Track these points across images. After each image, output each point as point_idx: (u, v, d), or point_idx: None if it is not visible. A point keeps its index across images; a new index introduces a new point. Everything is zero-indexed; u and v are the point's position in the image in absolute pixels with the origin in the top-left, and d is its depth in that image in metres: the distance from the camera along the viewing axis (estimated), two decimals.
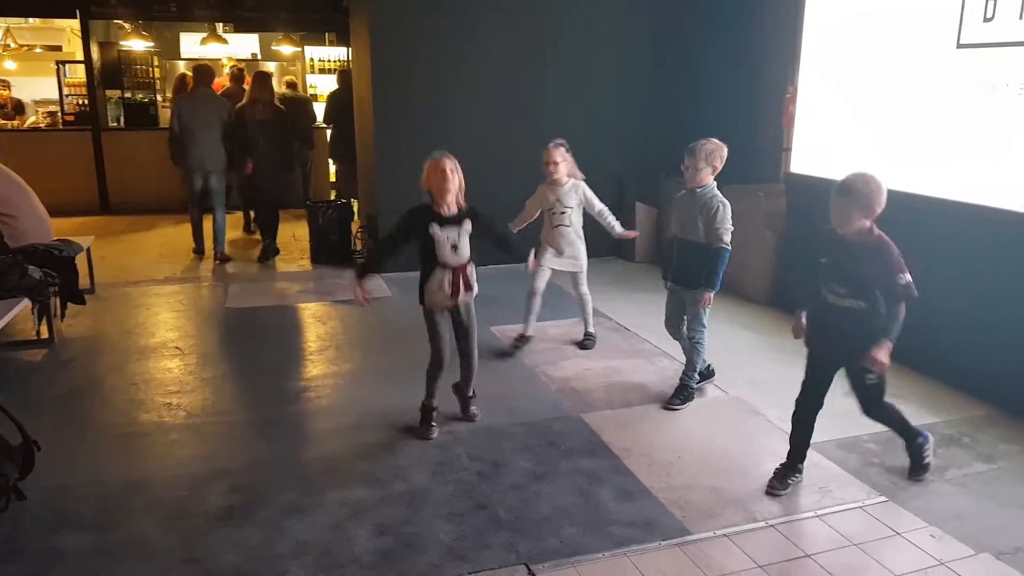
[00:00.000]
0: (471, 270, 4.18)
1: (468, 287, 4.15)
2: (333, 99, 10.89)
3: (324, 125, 11.37)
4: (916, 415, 4.53)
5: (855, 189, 3.47)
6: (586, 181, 5.70)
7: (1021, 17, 4.46)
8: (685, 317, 4.79)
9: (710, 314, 4.72)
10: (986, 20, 4.68)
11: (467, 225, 4.13)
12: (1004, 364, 4.59)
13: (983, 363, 4.50)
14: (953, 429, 4.31)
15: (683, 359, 4.97)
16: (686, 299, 4.72)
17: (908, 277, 3.41)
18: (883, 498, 3.72)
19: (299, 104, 11.07)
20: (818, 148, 6.21)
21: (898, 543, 3.37)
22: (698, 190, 4.53)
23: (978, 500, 3.72)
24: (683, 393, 4.78)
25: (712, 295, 4.56)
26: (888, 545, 3.36)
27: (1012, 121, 4.57)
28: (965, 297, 4.76)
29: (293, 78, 12.11)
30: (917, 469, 3.91)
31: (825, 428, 4.43)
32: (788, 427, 4.41)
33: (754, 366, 5.37)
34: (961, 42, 4.85)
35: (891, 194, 5.04)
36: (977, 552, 3.29)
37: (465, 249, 4.12)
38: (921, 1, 5.15)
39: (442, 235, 4.06)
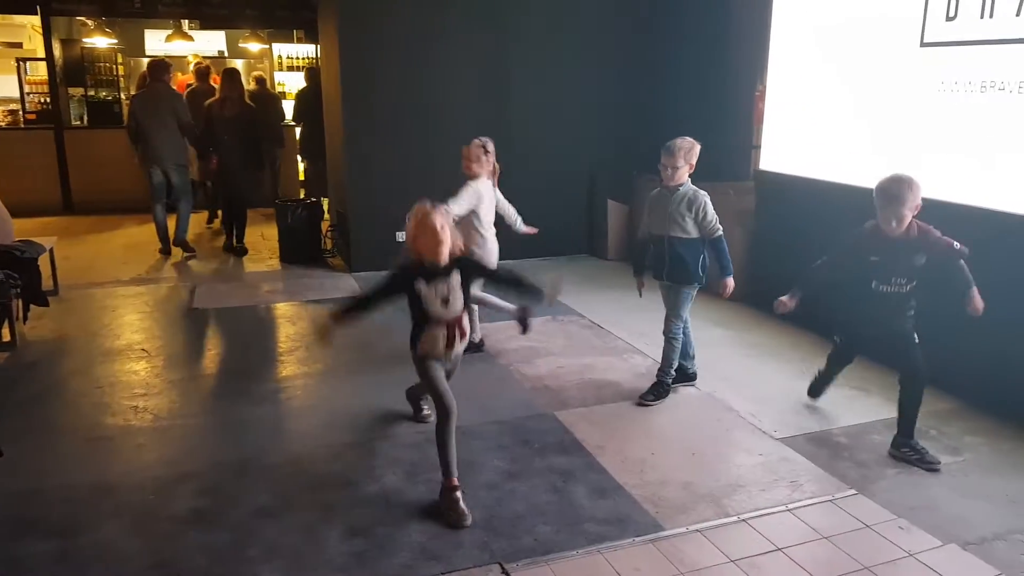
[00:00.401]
0: (465, 319, 3.73)
1: (463, 336, 3.77)
2: (302, 97, 10.81)
3: (293, 123, 11.28)
4: (883, 408, 4.59)
5: (902, 194, 3.83)
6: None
7: (982, 16, 4.52)
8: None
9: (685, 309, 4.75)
10: (948, 19, 4.74)
11: (456, 276, 3.60)
12: (970, 358, 4.64)
13: (949, 357, 4.55)
14: (920, 422, 4.34)
15: (656, 356, 4.99)
16: (673, 294, 4.74)
17: (956, 242, 3.89)
18: (853, 491, 3.75)
19: (268, 101, 10.97)
20: (787, 146, 6.26)
21: (867, 535, 3.40)
22: (680, 188, 4.57)
23: (945, 492, 3.76)
24: (657, 390, 4.79)
25: (731, 279, 4.66)
26: (858, 537, 3.39)
27: (973, 118, 4.64)
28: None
29: (262, 74, 11.97)
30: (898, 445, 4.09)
31: (795, 423, 4.49)
32: (760, 423, 4.47)
33: (726, 362, 5.40)
34: (925, 41, 4.92)
35: (857, 190, 5.10)
36: (944, 543, 3.33)
37: (458, 301, 3.63)
38: (886, 1, 5.21)
39: (430, 291, 3.56)
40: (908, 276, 3.98)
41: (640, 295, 4.94)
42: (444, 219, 3.51)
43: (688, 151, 4.55)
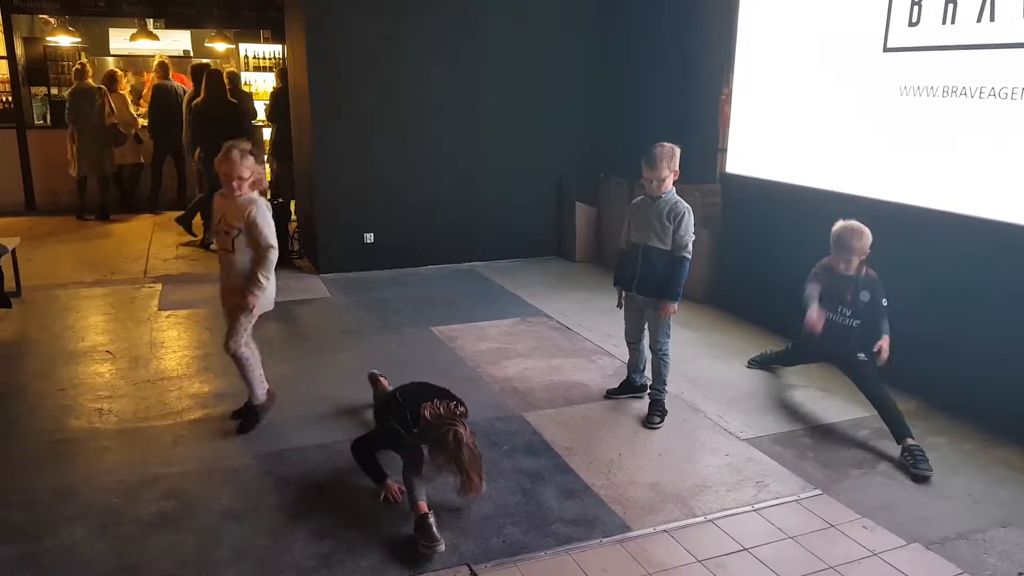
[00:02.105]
0: None
1: None
2: (275, 97, 10.70)
3: (265, 123, 11.17)
4: (847, 409, 4.66)
5: (852, 244, 4.37)
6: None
7: (944, 22, 4.60)
8: (646, 327, 4.70)
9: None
10: (911, 25, 4.82)
11: None
12: (932, 358, 4.73)
13: (912, 357, 4.62)
14: (884, 423, 4.42)
15: (624, 358, 5.00)
16: (648, 309, 4.60)
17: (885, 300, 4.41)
18: (818, 491, 3.80)
19: (240, 100, 10.86)
20: (753, 149, 6.32)
21: (832, 535, 3.45)
22: (663, 196, 4.43)
23: (908, 492, 3.83)
24: (659, 409, 4.60)
25: (676, 306, 4.48)
26: (823, 537, 3.43)
27: (935, 123, 4.72)
28: (893, 293, 4.88)
29: (235, 70, 11.80)
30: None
31: (761, 424, 4.54)
32: (727, 424, 4.52)
33: (692, 363, 5.43)
34: (888, 46, 4.99)
35: (822, 193, 5.17)
36: (908, 542, 3.38)
37: None
38: (850, 5, 5.28)
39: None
40: (852, 310, 4.45)
41: (620, 306, 4.79)
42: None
43: (670, 158, 4.38)
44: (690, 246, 4.43)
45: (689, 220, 4.41)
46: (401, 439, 3.57)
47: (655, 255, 4.45)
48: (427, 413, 3.45)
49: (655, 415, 4.59)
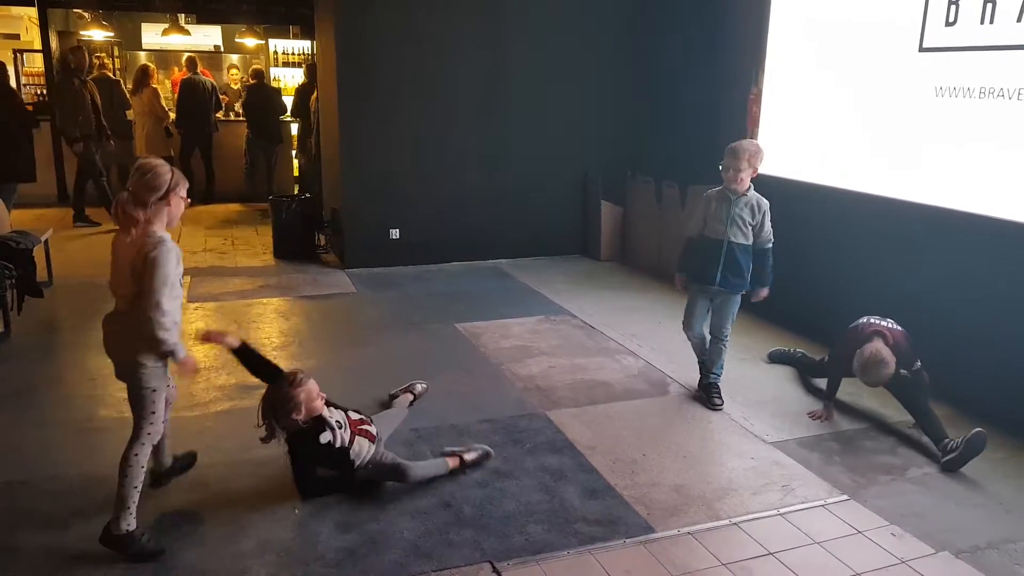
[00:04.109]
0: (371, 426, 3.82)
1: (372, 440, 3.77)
2: (301, 93, 10.79)
3: (291, 119, 11.27)
4: (875, 414, 4.61)
5: (883, 376, 4.21)
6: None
7: (982, 22, 4.53)
8: (709, 317, 4.80)
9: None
10: (948, 24, 4.75)
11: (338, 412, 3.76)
12: (964, 364, 4.66)
13: (945, 365, 4.57)
14: (914, 429, 4.37)
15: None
16: (723, 300, 4.70)
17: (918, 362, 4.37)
18: (845, 496, 3.76)
19: (266, 95, 10.96)
20: (782, 149, 6.24)
21: (859, 541, 3.41)
22: (746, 194, 4.56)
23: (938, 499, 3.77)
24: (719, 391, 4.80)
25: (768, 290, 4.70)
26: (850, 543, 3.39)
27: (972, 124, 4.64)
28: (925, 297, 4.83)
29: (259, 67, 11.91)
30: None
31: (787, 427, 4.50)
32: (752, 426, 4.48)
33: None
34: (924, 46, 4.92)
35: (854, 195, 5.11)
36: (937, 551, 3.33)
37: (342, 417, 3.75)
38: (885, 5, 5.22)
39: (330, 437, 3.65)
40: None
41: (683, 288, 4.86)
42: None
43: (753, 155, 4.50)
44: (771, 234, 4.62)
45: (769, 213, 4.59)
46: (305, 450, 3.62)
47: (739, 251, 4.57)
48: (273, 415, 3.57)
49: (715, 397, 4.77)
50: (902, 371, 4.26)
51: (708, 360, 4.85)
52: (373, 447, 3.67)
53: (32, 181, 8.79)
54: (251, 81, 11.21)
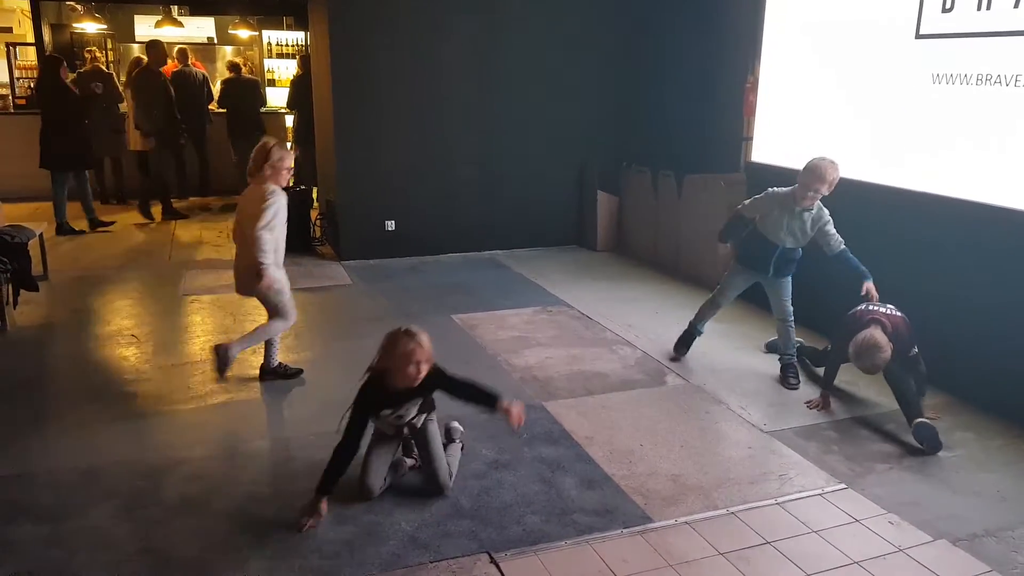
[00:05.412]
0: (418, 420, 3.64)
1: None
2: (296, 84, 10.74)
3: (287, 110, 11.22)
4: (872, 402, 4.62)
5: (878, 362, 4.15)
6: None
7: (979, 8, 4.52)
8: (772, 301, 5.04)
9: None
10: (945, 11, 4.73)
11: (419, 398, 3.56)
12: (962, 353, 4.66)
13: (940, 352, 4.57)
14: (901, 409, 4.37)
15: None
16: (773, 283, 4.94)
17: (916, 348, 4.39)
18: (842, 485, 3.76)
19: (243, 87, 10.87)
20: (779, 138, 6.25)
21: (857, 529, 3.41)
22: (811, 210, 4.69)
23: (935, 487, 3.77)
24: (793, 371, 4.96)
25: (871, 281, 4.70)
26: (847, 532, 3.39)
27: (969, 111, 4.63)
28: (921, 286, 4.82)
29: (237, 60, 11.78)
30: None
31: (784, 416, 4.50)
32: (749, 416, 4.48)
33: (715, 355, 5.39)
34: (920, 33, 4.91)
35: (850, 183, 5.10)
36: (935, 538, 3.33)
37: (409, 415, 3.58)
38: None
39: (391, 416, 3.55)
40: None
41: (734, 256, 5.09)
42: (423, 342, 3.38)
43: (834, 181, 4.59)
44: (839, 236, 4.74)
45: (831, 222, 4.72)
46: (363, 413, 3.49)
47: (791, 253, 4.85)
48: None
49: (791, 376, 4.93)
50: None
51: (779, 343, 5.04)
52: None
53: (90, 169, 9.23)
54: (228, 74, 11.12)
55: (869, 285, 4.62)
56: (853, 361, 4.26)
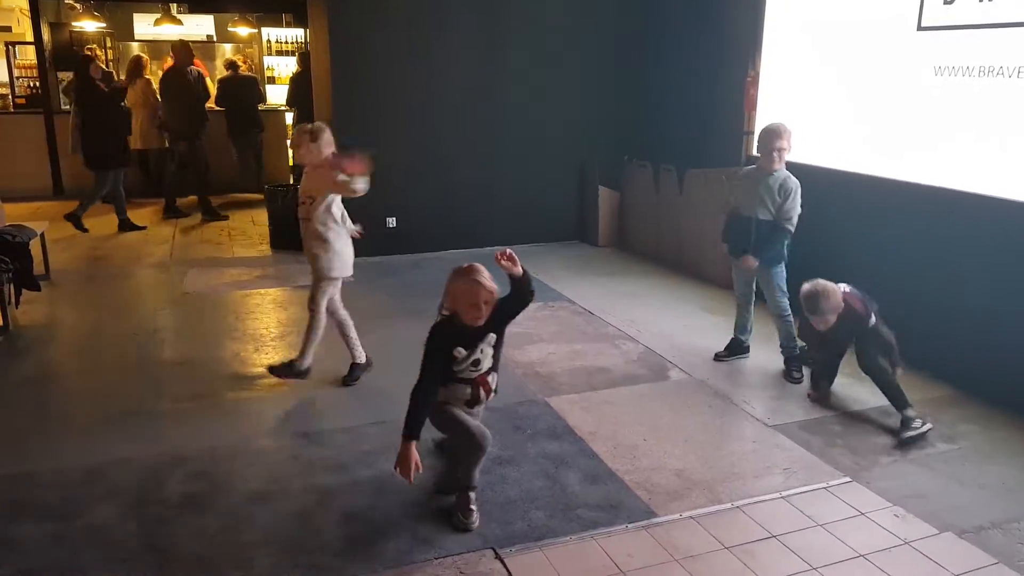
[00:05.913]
0: (491, 376, 3.53)
1: (487, 393, 3.52)
2: (295, 81, 10.73)
3: (287, 108, 11.20)
4: (876, 395, 4.59)
5: (821, 307, 4.25)
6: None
7: (981, 0, 4.50)
8: (754, 289, 5.03)
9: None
10: (947, 3, 4.72)
11: (492, 335, 3.45)
12: (966, 345, 4.65)
13: (944, 345, 4.56)
14: (915, 410, 4.36)
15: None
16: (763, 275, 4.89)
17: (873, 318, 4.34)
18: (847, 478, 3.76)
19: (241, 85, 10.86)
20: None
21: (862, 523, 3.40)
22: (777, 172, 4.71)
23: (940, 479, 3.77)
24: (796, 364, 4.93)
25: (756, 263, 4.78)
26: (853, 525, 3.39)
27: (971, 103, 4.62)
28: (923, 280, 4.81)
29: (234, 58, 11.76)
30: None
31: (788, 410, 4.49)
32: (753, 410, 4.48)
33: (717, 348, 5.37)
34: (922, 25, 4.89)
35: (851, 176, 5.10)
36: (940, 531, 3.33)
37: (487, 360, 3.46)
38: None
39: (467, 356, 3.39)
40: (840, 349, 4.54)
41: (752, 267, 4.87)
42: (484, 281, 3.34)
43: (789, 135, 4.67)
44: (794, 219, 4.71)
45: (797, 195, 4.69)
46: (436, 352, 3.38)
47: (764, 227, 4.76)
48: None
49: (794, 370, 4.90)
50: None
51: (781, 335, 4.98)
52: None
53: (125, 167, 9.31)
54: (226, 72, 11.11)
55: (747, 258, 4.77)
56: (806, 312, 4.34)
